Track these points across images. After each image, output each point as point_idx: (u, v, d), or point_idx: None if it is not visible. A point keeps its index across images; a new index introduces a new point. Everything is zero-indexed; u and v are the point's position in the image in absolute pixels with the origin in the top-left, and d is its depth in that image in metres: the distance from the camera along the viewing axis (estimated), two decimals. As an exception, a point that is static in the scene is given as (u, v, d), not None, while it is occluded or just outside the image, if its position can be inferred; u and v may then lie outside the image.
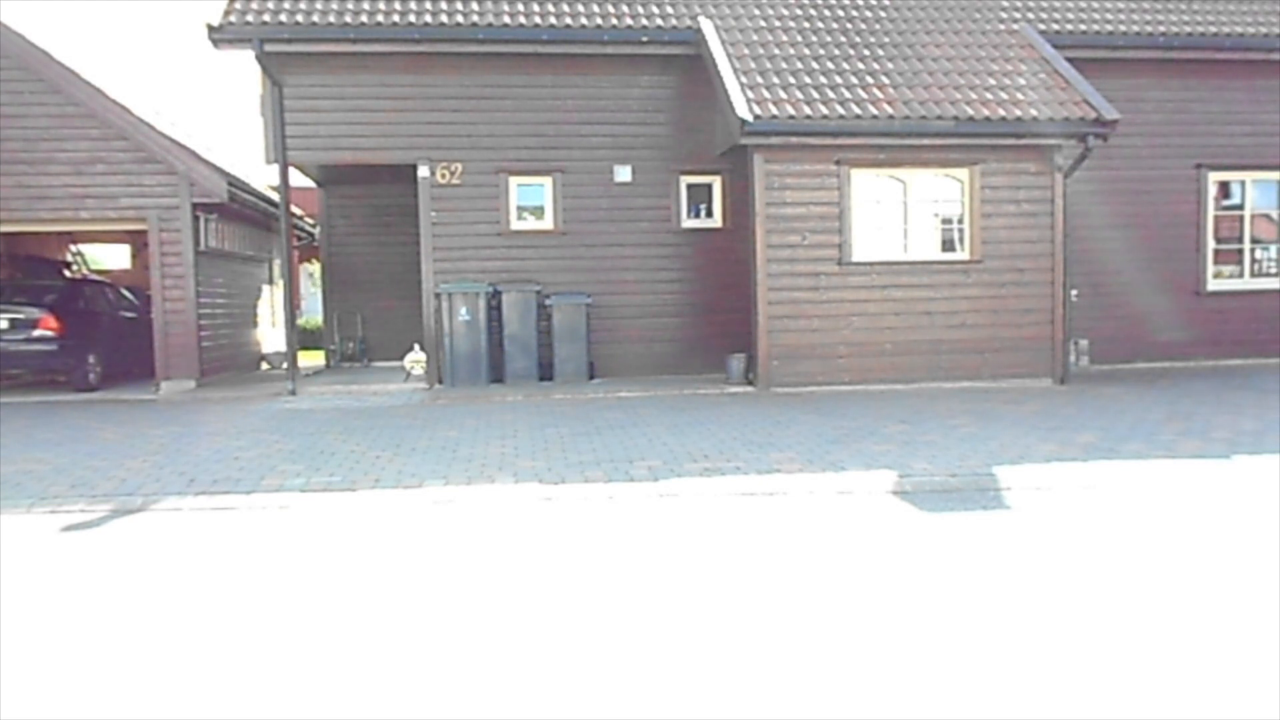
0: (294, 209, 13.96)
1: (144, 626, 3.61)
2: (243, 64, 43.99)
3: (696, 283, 12.45)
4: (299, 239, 16.65)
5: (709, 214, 12.52)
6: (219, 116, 41.67)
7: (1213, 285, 13.08)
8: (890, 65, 11.36)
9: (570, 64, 11.94)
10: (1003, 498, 5.56)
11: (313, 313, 22.87)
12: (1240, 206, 13.27)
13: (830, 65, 11.28)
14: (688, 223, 12.43)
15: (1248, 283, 13.22)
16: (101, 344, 12.50)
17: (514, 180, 12.07)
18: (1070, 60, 11.70)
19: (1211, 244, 13.15)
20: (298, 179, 13.41)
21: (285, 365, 12.07)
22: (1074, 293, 11.91)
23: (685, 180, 12.39)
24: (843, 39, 11.84)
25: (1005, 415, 8.46)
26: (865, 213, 10.89)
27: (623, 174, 12.20)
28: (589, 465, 6.45)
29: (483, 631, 3.47)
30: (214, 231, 12.92)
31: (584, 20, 11.60)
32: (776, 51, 11.45)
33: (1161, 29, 12.62)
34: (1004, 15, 12.61)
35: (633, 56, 11.95)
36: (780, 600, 3.74)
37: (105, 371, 12.45)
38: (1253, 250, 13.31)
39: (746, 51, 11.37)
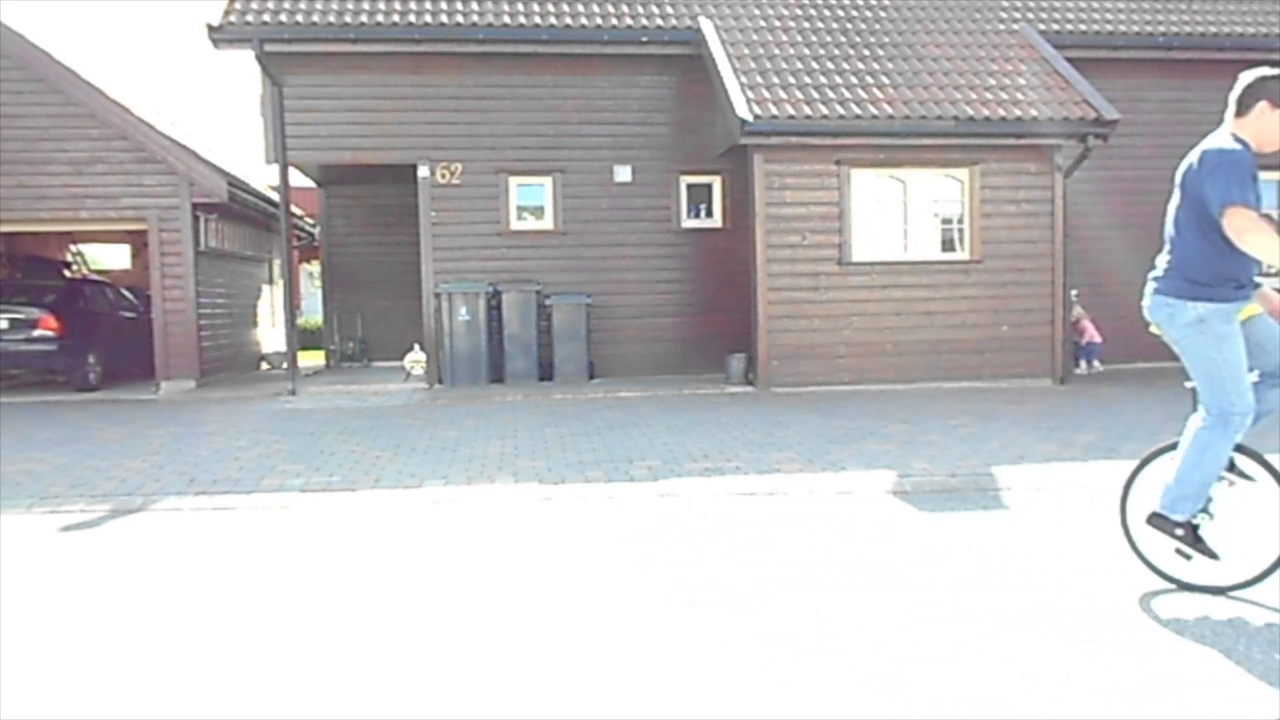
0: (294, 209, 13.97)
1: (144, 626, 3.61)
2: (243, 64, 44.02)
3: (696, 283, 12.45)
4: (299, 239, 16.65)
5: (709, 214, 12.52)
6: (219, 116, 41.73)
7: (1213, 285, 13.06)
8: (890, 65, 11.36)
9: (570, 64, 11.94)
10: (1002, 498, 5.56)
11: (313, 313, 22.87)
12: (1240, 206, 13.25)
13: (830, 65, 11.28)
14: (688, 223, 12.44)
15: (1248, 283, 13.21)
16: (101, 344, 12.48)
17: (514, 180, 12.08)
18: (1070, 60, 11.70)
19: (1211, 244, 13.14)
20: (298, 179, 13.42)
21: (285, 365, 12.08)
22: (1074, 293, 11.91)
23: (685, 180, 12.40)
24: (843, 39, 11.85)
25: (1005, 415, 8.46)
26: (865, 213, 10.89)
27: (623, 174, 12.20)
28: (589, 465, 6.46)
29: (481, 630, 3.47)
30: (214, 231, 12.92)
31: (584, 20, 11.61)
32: (776, 51, 11.46)
33: (1161, 29, 12.62)
34: (1004, 15, 12.61)
35: (633, 56, 11.95)
36: (780, 599, 3.74)
37: (105, 371, 12.43)
38: (1253, 250, 13.30)
39: (746, 51, 11.37)
